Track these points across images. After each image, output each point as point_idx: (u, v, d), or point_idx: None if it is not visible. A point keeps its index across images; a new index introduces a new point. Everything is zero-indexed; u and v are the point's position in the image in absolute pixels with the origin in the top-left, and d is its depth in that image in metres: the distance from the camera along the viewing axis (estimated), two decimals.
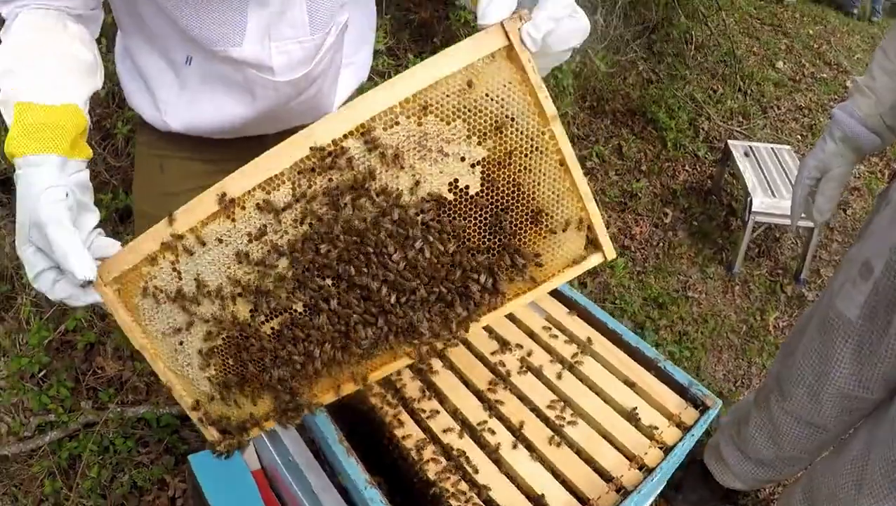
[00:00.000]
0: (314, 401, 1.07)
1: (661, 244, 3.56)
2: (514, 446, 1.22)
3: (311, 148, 0.94)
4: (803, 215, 1.76)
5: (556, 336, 1.42)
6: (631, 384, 1.34)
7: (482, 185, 0.97)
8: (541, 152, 0.98)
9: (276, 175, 0.96)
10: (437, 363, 1.37)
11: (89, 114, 1.11)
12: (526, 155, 0.97)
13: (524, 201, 0.99)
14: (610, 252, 1.03)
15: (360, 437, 1.42)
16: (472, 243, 0.99)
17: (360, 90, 1.56)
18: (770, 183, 3.35)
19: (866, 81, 1.60)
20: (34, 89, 1.02)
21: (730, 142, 3.69)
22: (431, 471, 1.19)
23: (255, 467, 1.64)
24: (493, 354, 1.38)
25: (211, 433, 1.10)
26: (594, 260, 1.04)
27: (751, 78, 4.88)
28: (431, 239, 0.97)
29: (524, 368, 1.35)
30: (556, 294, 1.52)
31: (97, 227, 1.04)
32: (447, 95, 0.94)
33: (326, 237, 0.96)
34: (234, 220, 0.97)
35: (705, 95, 4.61)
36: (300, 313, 1.00)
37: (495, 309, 1.02)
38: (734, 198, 3.84)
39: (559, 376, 1.34)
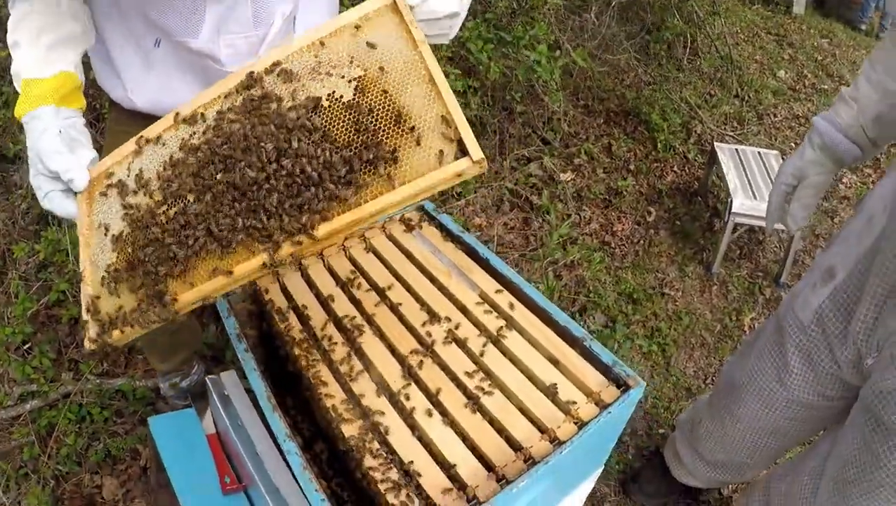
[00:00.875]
0: (175, 295, 1.17)
1: (641, 242, 3.59)
2: (429, 413, 1.25)
3: (240, 80, 1.20)
4: (778, 224, 1.77)
5: (488, 312, 1.45)
6: (555, 361, 1.35)
7: (354, 94, 1.15)
8: (409, 68, 1.15)
9: (212, 99, 1.22)
10: (366, 330, 1.41)
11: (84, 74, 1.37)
12: (395, 72, 1.15)
13: (388, 105, 1.14)
14: (476, 153, 1.07)
15: (297, 400, 1.50)
16: (338, 142, 1.13)
17: None
18: (752, 186, 3.38)
19: (851, 92, 1.58)
20: (33, 66, 1.28)
21: (717, 144, 3.70)
22: (347, 429, 1.23)
23: (210, 431, 1.71)
24: (422, 325, 1.41)
25: (90, 332, 1.21)
26: (462, 164, 1.08)
27: (749, 85, 4.90)
28: (301, 136, 1.13)
29: (449, 339, 1.38)
30: (491, 271, 1.56)
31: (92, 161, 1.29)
32: (339, 36, 1.19)
33: (225, 136, 1.17)
34: (176, 129, 1.24)
35: (700, 99, 4.63)
36: (189, 201, 1.17)
37: (350, 209, 1.10)
38: (719, 200, 3.86)
39: (483, 349, 1.37)
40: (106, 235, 1.24)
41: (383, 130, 1.12)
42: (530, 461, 1.19)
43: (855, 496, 1.56)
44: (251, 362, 1.35)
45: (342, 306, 1.48)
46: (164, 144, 1.24)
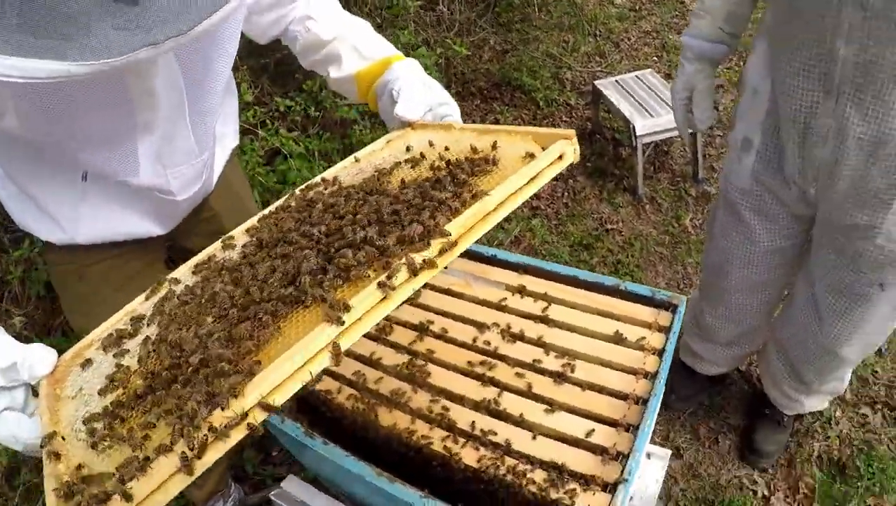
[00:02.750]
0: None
1: (565, 194, 3.74)
2: (532, 409, 1.30)
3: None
4: (690, 130, 2.04)
5: (524, 299, 1.53)
6: (606, 314, 1.45)
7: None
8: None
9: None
10: (429, 367, 1.43)
11: None
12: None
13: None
14: (568, 133, 1.15)
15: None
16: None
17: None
18: (645, 106, 3.57)
19: (699, 6, 1.87)
20: None
21: (596, 82, 3.88)
22: (470, 459, 1.25)
23: None
24: (473, 340, 1.47)
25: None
26: (559, 145, 1.12)
27: (595, 20, 5.12)
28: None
29: (507, 339, 1.44)
30: (502, 264, 1.63)
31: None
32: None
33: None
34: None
35: (560, 49, 4.80)
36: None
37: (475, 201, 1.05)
38: (616, 130, 4.04)
39: (540, 332, 1.44)
40: (84, 397, 1.06)
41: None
42: (641, 401, 1.28)
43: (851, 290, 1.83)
44: (338, 451, 1.29)
45: (391, 358, 1.49)
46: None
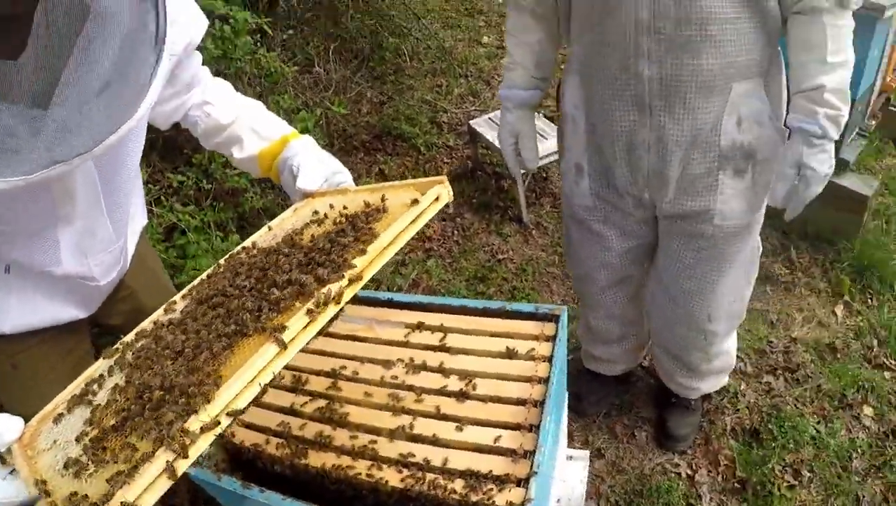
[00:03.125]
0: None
1: (455, 232, 3.95)
2: (443, 428, 1.44)
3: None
4: (522, 170, 2.30)
5: (423, 333, 1.68)
6: (497, 334, 1.62)
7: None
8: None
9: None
10: (346, 407, 1.56)
11: None
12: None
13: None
14: (437, 178, 1.36)
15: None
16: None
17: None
18: None
19: (509, 61, 2.09)
20: None
21: (471, 122, 4.13)
22: (395, 481, 1.37)
23: None
24: (381, 379, 1.60)
25: None
26: (436, 189, 1.32)
27: (466, 62, 5.40)
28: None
29: (412, 371, 1.59)
30: (398, 305, 1.79)
31: None
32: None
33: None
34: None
35: (434, 94, 5.06)
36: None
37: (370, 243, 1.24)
38: (496, 165, 4.29)
39: (441, 360, 1.59)
40: (61, 445, 1.15)
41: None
42: (538, 404, 1.44)
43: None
44: (276, 496, 1.38)
45: (310, 405, 1.60)
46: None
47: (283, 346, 1.06)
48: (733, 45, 1.68)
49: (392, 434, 1.47)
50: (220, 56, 2.98)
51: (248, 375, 1.03)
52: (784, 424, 2.82)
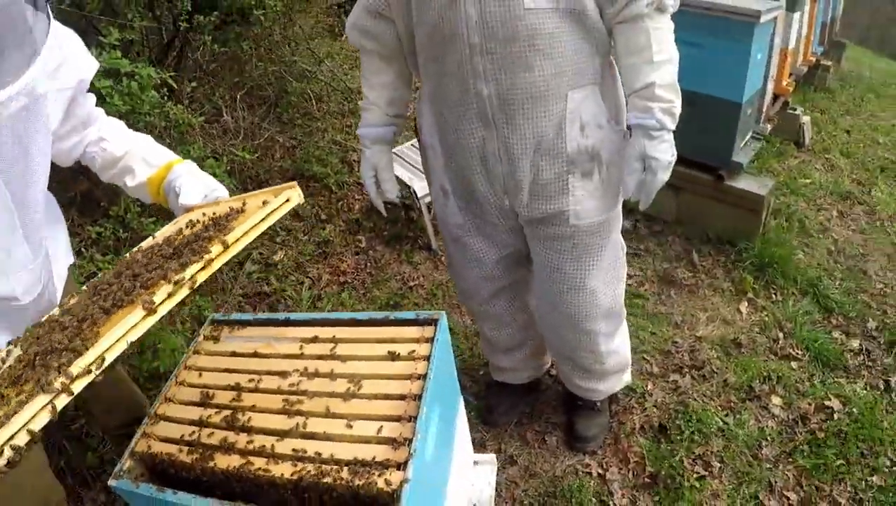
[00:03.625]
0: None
1: (368, 264, 4.12)
2: (332, 425, 1.60)
3: None
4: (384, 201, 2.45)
5: (315, 344, 1.85)
6: (382, 341, 1.79)
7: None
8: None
9: None
10: (249, 414, 1.70)
11: None
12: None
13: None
14: (292, 184, 1.60)
15: None
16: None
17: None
18: (421, 170, 4.02)
19: (365, 103, 2.30)
20: None
21: None
22: (288, 473, 1.52)
23: None
24: (279, 389, 1.76)
25: None
26: (284, 195, 1.57)
27: None
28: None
29: (307, 378, 1.75)
30: (295, 323, 1.97)
31: None
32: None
33: None
34: None
35: (343, 134, 5.26)
36: None
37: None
38: (404, 197, 4.47)
39: (332, 367, 1.76)
40: None
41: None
42: (417, 397, 1.61)
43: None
44: (186, 495, 1.53)
45: (216, 417, 1.73)
46: None
47: (150, 310, 1.29)
48: (562, 56, 1.88)
49: (286, 434, 1.62)
50: (128, 111, 3.11)
51: (119, 332, 1.25)
52: (691, 418, 2.95)
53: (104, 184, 3.34)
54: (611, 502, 2.68)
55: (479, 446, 2.88)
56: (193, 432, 1.72)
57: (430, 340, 1.76)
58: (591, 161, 2.05)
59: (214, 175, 3.32)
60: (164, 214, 3.45)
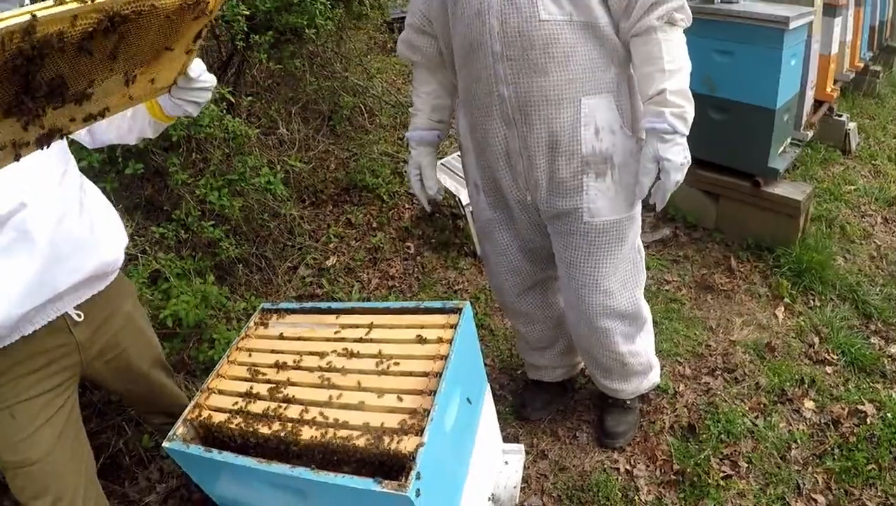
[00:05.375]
0: None
1: (415, 270, 4.28)
2: (365, 396, 1.78)
3: None
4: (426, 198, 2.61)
5: (351, 329, 2.04)
6: (412, 326, 1.97)
7: None
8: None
9: None
10: (292, 390, 1.89)
11: None
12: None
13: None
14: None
15: None
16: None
17: None
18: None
19: (413, 109, 2.53)
20: None
21: None
22: (316, 437, 1.70)
23: None
24: (317, 365, 1.95)
25: None
26: None
27: None
28: None
29: (343, 357, 1.94)
30: (334, 312, 2.15)
31: None
32: None
33: None
34: None
35: (395, 146, 5.47)
36: None
37: None
38: (451, 207, 4.64)
39: (364, 348, 1.95)
40: None
41: None
42: (438, 375, 1.78)
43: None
44: (230, 455, 1.73)
45: (262, 389, 1.93)
46: None
47: None
48: (576, 64, 2.05)
49: (321, 404, 1.81)
50: (190, 123, 3.36)
51: None
52: (720, 419, 2.94)
53: (168, 190, 3.63)
54: (636, 498, 2.73)
55: (512, 440, 2.99)
56: (239, 402, 1.92)
57: (455, 327, 1.93)
58: (604, 163, 2.19)
59: (270, 183, 3.60)
60: (220, 219, 3.71)
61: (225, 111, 3.51)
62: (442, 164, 4.50)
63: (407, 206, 4.88)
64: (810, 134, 4.55)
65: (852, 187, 4.71)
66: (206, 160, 3.79)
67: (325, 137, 5.10)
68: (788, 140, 4.08)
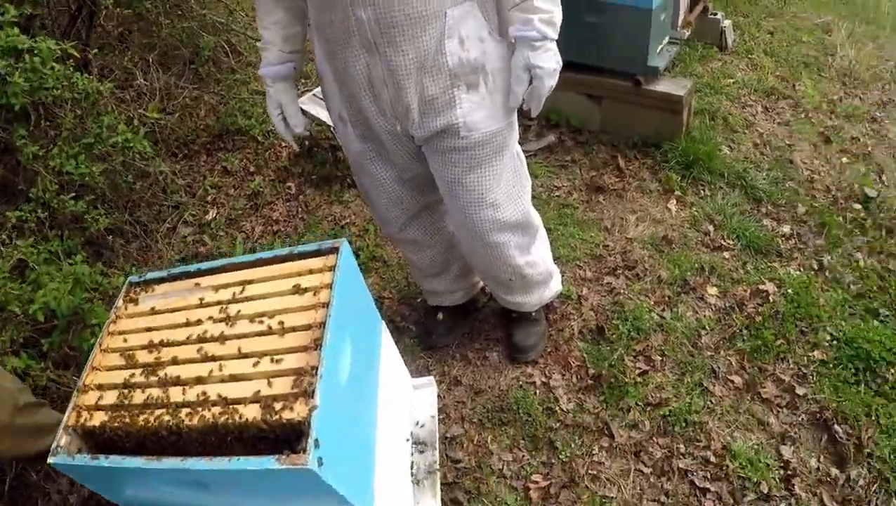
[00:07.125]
0: None
1: (299, 210, 4.12)
2: (244, 364, 1.65)
3: None
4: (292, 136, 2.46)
5: (224, 288, 1.88)
6: (288, 275, 1.83)
7: None
8: None
9: None
10: (166, 370, 1.73)
11: None
12: None
13: None
14: None
15: None
16: None
17: None
18: None
19: (262, 43, 2.28)
20: None
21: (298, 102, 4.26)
22: (197, 421, 1.55)
23: None
24: (189, 336, 1.78)
25: None
26: None
27: None
28: None
29: (219, 323, 1.78)
30: (207, 272, 1.98)
31: None
32: None
33: None
34: None
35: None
36: None
37: None
38: (331, 139, 4.37)
39: (242, 309, 1.79)
40: None
41: None
42: (321, 326, 1.65)
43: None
44: (117, 457, 1.56)
45: (137, 377, 1.75)
46: None
47: None
48: None
49: (203, 381, 1.66)
50: (34, 88, 3.02)
51: None
52: (628, 317, 3.03)
53: (22, 168, 3.31)
54: (558, 408, 2.77)
55: (423, 371, 2.96)
56: (120, 395, 1.73)
57: (333, 268, 1.79)
58: (474, 73, 2.07)
59: (128, 141, 3.32)
60: (84, 189, 3.42)
61: (73, 69, 3.19)
62: (313, 94, 4.28)
63: (283, 144, 4.66)
64: (687, 33, 4.69)
65: (731, 80, 4.84)
66: (59, 126, 3.44)
67: (189, 84, 4.75)
68: (666, 39, 4.11)
